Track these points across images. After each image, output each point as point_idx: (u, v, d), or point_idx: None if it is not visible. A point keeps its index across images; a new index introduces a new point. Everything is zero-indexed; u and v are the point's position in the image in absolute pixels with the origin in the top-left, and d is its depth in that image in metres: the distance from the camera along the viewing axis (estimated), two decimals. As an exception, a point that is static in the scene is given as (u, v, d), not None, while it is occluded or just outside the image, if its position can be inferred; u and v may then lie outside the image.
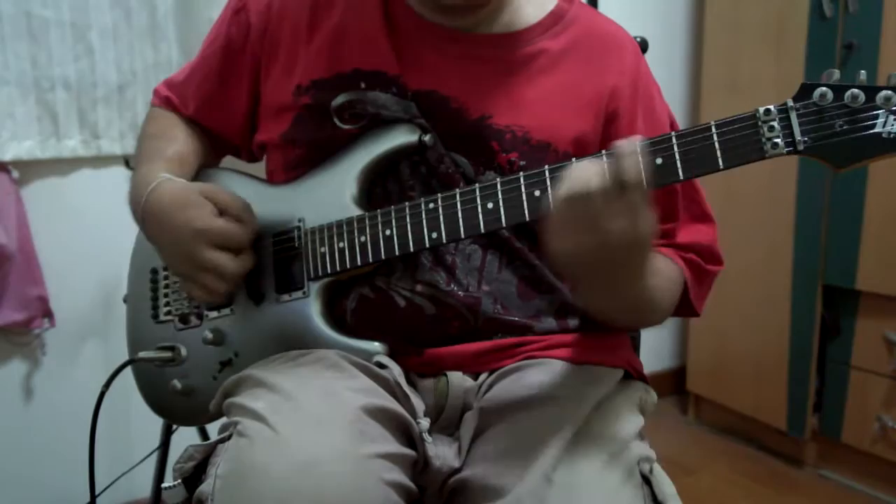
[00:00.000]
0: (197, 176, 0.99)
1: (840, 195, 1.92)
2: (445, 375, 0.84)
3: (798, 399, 2.06)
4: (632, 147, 0.67)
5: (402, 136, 0.86)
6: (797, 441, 2.11)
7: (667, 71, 2.41)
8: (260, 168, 1.03)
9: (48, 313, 1.66)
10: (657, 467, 0.80)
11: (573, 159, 0.73)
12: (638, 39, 1.03)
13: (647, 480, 0.77)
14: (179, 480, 0.75)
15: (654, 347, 2.53)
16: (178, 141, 0.99)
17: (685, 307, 0.93)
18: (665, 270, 0.87)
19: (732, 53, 2.18)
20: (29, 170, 1.63)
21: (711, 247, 0.93)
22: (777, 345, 2.10)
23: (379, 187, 0.88)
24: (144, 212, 0.89)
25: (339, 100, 0.88)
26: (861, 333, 1.93)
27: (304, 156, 0.91)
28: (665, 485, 0.77)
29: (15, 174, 1.60)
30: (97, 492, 1.00)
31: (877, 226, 1.85)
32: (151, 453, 1.51)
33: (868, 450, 1.93)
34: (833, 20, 1.87)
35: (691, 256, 0.92)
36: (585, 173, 0.67)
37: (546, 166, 0.74)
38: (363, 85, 0.88)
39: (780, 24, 2.02)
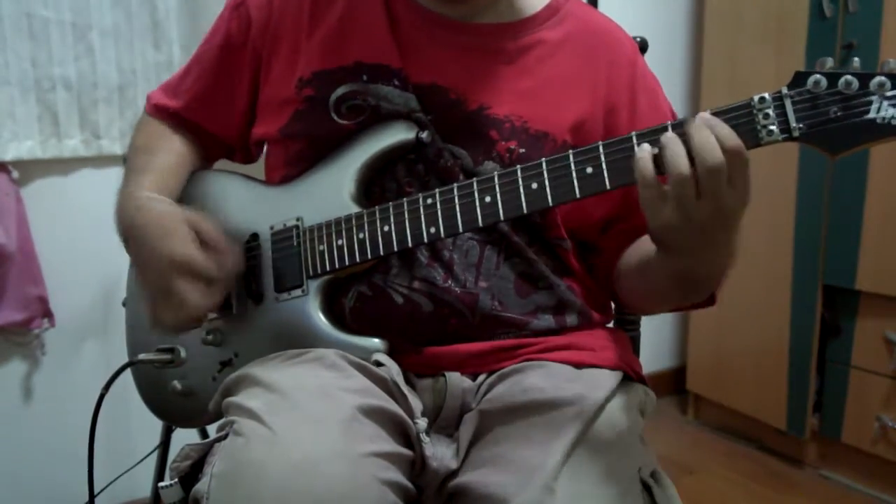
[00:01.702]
0: (191, 179, 0.99)
1: (840, 195, 1.92)
2: (444, 375, 0.84)
3: (798, 399, 2.06)
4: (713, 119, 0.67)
5: (399, 134, 0.86)
6: (797, 441, 2.11)
7: (667, 71, 2.39)
8: (257, 169, 1.03)
9: (48, 313, 1.66)
10: (658, 470, 0.80)
11: (570, 150, 0.73)
12: (638, 39, 1.03)
13: (647, 487, 0.77)
14: (176, 479, 0.76)
15: (654, 347, 2.53)
16: (164, 150, 0.98)
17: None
18: None
19: (732, 53, 2.18)
20: (29, 169, 1.64)
21: None
22: (777, 345, 2.10)
23: (376, 185, 0.88)
24: (129, 232, 0.89)
25: (340, 91, 0.88)
26: (861, 333, 1.93)
27: (304, 151, 0.91)
28: (666, 488, 0.77)
29: (15, 174, 1.60)
30: (96, 491, 1.00)
31: (877, 226, 1.85)
32: (147, 456, 1.51)
33: (868, 450, 1.92)
34: (833, 20, 1.87)
35: None
36: (715, 139, 0.66)
37: (543, 159, 0.74)
38: (365, 77, 0.88)
39: (780, 24, 2.02)
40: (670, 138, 0.68)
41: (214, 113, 1.00)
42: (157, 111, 1.02)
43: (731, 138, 0.66)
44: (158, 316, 0.85)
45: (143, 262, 0.87)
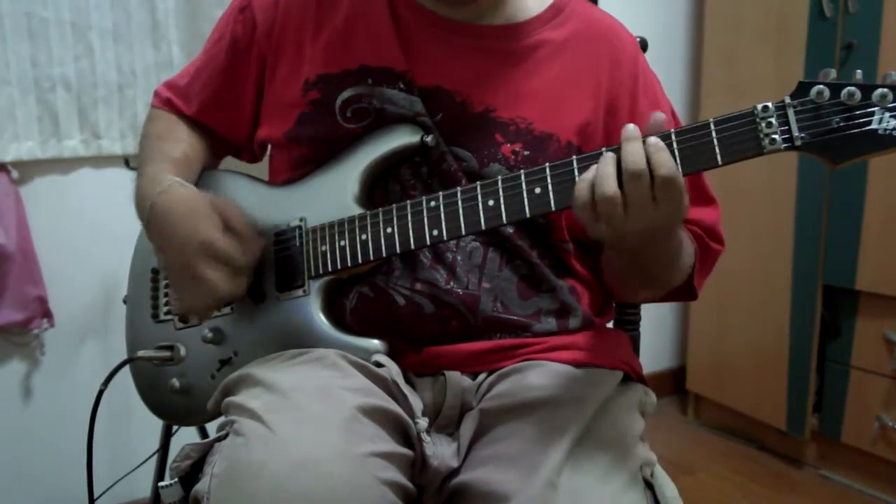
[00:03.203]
0: (199, 178, 0.99)
1: (840, 195, 1.92)
2: (443, 374, 0.84)
3: (798, 399, 2.06)
4: (634, 132, 0.70)
5: (404, 137, 0.86)
6: (797, 441, 2.11)
7: (667, 71, 2.39)
8: (261, 168, 1.03)
9: (47, 313, 1.66)
10: (658, 470, 0.80)
11: (574, 157, 0.74)
12: (638, 39, 1.03)
13: (649, 485, 0.77)
14: (176, 479, 0.76)
15: (654, 347, 2.53)
16: (183, 142, 0.99)
17: (687, 286, 0.92)
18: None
19: (732, 53, 2.18)
20: (29, 169, 1.64)
21: (714, 226, 0.94)
22: (777, 345, 2.10)
23: (380, 188, 0.88)
24: (151, 213, 0.88)
25: (346, 94, 0.88)
26: (861, 333, 1.93)
27: (308, 155, 0.91)
28: (667, 487, 0.78)
29: (15, 174, 1.60)
30: (96, 492, 1.00)
31: (877, 226, 1.85)
32: (150, 457, 1.51)
33: (868, 450, 1.93)
34: (833, 20, 1.87)
35: (695, 229, 0.92)
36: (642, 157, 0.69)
37: (546, 164, 0.75)
38: (370, 80, 0.88)
39: (780, 25, 2.02)
40: (604, 157, 0.71)
41: (224, 116, 1.00)
42: (169, 107, 1.03)
43: (664, 166, 0.68)
44: (189, 300, 0.85)
45: (167, 244, 0.87)
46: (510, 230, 0.86)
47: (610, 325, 1.00)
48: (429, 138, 0.86)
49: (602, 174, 0.69)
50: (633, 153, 0.68)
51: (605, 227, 0.71)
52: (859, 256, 1.88)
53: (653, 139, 0.69)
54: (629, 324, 1.14)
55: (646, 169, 0.68)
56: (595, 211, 0.70)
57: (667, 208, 0.69)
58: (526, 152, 0.86)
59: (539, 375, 0.83)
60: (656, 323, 2.51)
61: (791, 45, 1.98)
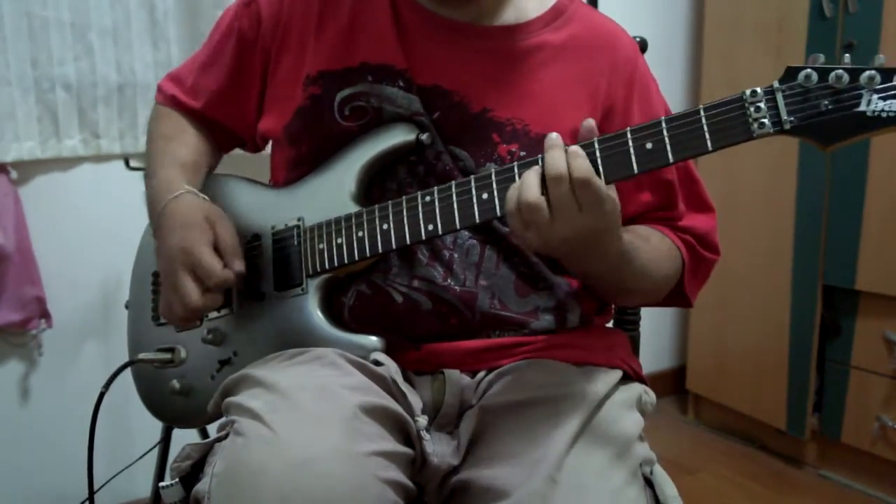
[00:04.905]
0: (205, 181, 1.00)
1: (840, 195, 1.92)
2: (443, 373, 0.84)
3: (798, 399, 2.06)
4: (556, 140, 0.71)
5: (400, 135, 0.87)
6: (797, 441, 2.11)
7: (667, 71, 2.41)
8: (264, 168, 1.03)
9: (45, 314, 1.66)
10: (658, 469, 0.80)
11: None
12: (638, 39, 1.03)
13: (648, 482, 0.77)
14: (177, 479, 0.76)
15: (654, 347, 2.53)
16: (190, 146, 1.00)
17: (678, 294, 0.92)
18: (654, 239, 0.89)
19: (732, 53, 2.18)
20: (27, 169, 1.63)
21: (708, 234, 0.94)
22: (777, 345, 2.10)
23: (377, 186, 0.89)
24: (160, 217, 0.91)
25: (346, 91, 0.89)
26: (861, 333, 1.93)
27: (305, 153, 0.91)
28: (667, 486, 0.78)
29: (13, 174, 1.60)
30: (94, 491, 1.00)
31: (877, 226, 1.85)
32: (146, 454, 1.51)
33: (868, 450, 1.93)
34: (833, 20, 1.87)
35: (688, 238, 0.92)
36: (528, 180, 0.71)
37: (540, 155, 0.75)
38: (370, 78, 0.88)
39: (780, 24, 2.02)
40: (531, 168, 0.72)
41: (231, 110, 1.01)
42: (175, 104, 1.03)
43: (579, 169, 0.69)
44: (165, 304, 0.88)
45: (162, 249, 0.89)
46: (507, 228, 0.86)
47: (609, 325, 1.00)
48: (424, 136, 0.86)
49: (525, 183, 0.71)
50: (554, 158, 0.70)
51: (534, 234, 0.72)
52: (859, 256, 1.89)
53: (573, 147, 0.71)
54: (629, 324, 1.14)
55: (565, 173, 0.69)
56: (522, 218, 0.71)
57: (590, 212, 0.70)
58: (522, 153, 0.86)
59: (538, 373, 0.83)
60: (656, 323, 2.51)
61: (791, 45, 1.98)
